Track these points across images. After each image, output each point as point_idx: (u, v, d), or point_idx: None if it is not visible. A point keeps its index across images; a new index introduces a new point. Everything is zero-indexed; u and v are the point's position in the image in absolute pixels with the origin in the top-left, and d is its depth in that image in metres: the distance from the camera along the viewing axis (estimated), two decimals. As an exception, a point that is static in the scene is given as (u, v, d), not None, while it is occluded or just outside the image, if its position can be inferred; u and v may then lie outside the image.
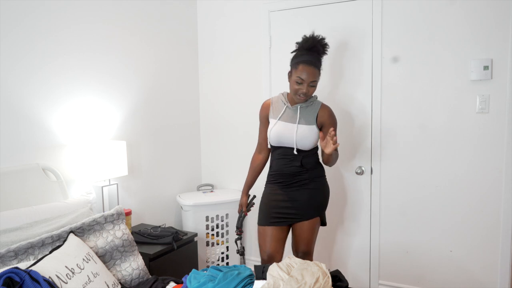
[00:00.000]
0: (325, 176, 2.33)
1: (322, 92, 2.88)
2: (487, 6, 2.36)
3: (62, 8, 2.28)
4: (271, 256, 2.24)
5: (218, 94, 3.32)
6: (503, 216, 2.43)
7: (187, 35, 3.27)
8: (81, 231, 1.93)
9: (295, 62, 2.15)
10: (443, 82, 2.52)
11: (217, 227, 3.04)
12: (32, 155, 2.16)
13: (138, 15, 2.80)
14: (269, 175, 2.34)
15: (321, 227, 2.35)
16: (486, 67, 2.38)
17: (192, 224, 2.95)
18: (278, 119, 2.22)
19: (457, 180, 2.54)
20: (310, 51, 2.15)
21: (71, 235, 1.85)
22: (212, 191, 3.26)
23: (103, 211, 2.38)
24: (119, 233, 2.04)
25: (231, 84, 3.25)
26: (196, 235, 2.68)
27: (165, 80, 3.06)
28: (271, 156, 2.35)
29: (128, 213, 2.47)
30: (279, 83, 3.03)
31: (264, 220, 2.29)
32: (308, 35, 2.19)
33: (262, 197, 2.34)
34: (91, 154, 2.30)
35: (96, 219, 2.02)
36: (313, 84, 2.13)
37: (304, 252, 2.28)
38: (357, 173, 2.80)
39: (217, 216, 3.02)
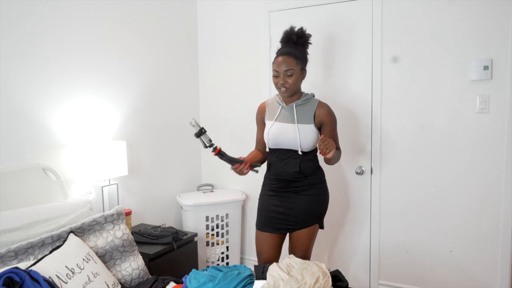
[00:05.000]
0: (325, 181, 2.26)
1: (321, 92, 2.88)
2: (487, 6, 2.36)
3: (62, 8, 2.28)
4: (267, 263, 2.19)
5: (218, 94, 3.33)
6: (503, 216, 2.43)
7: (187, 35, 3.27)
8: (81, 231, 1.92)
9: (275, 57, 2.12)
10: (443, 82, 2.52)
11: (217, 227, 3.04)
12: (32, 155, 2.16)
13: (138, 15, 2.80)
14: (266, 178, 2.27)
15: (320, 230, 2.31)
16: (486, 67, 2.38)
17: (192, 224, 2.95)
18: (275, 120, 2.16)
19: (457, 180, 2.54)
20: (287, 44, 2.13)
21: (71, 235, 1.85)
22: (212, 191, 3.26)
23: (103, 211, 2.38)
24: (119, 233, 2.04)
25: (231, 84, 3.25)
26: (196, 235, 2.68)
27: (165, 80, 3.06)
28: (268, 159, 2.26)
29: (128, 213, 2.47)
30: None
31: (261, 225, 2.23)
32: (287, 29, 2.15)
33: (260, 200, 2.29)
34: (91, 154, 2.30)
35: (96, 219, 2.02)
36: (290, 73, 2.05)
37: (301, 258, 2.18)
38: (357, 173, 2.80)
39: (217, 216, 3.02)
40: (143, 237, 2.43)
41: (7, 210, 1.90)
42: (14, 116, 2.07)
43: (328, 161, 2.14)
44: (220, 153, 2.01)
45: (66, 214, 2.05)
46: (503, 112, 2.38)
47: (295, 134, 2.08)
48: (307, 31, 2.18)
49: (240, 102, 3.19)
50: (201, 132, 1.99)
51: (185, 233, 2.60)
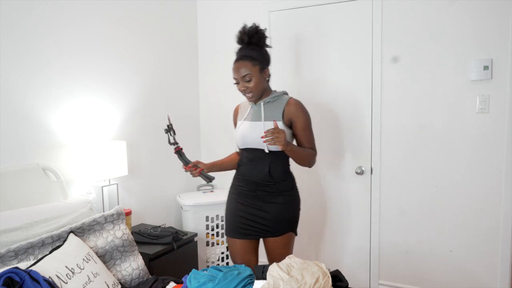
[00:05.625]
0: (296, 188, 2.16)
1: (322, 92, 2.88)
2: (487, 6, 2.36)
3: (62, 8, 2.28)
4: None
5: (218, 94, 3.32)
6: (503, 216, 2.43)
7: (187, 35, 3.27)
8: (81, 231, 1.92)
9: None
10: (443, 82, 2.52)
11: (217, 227, 3.04)
12: (32, 155, 2.16)
13: (138, 15, 2.80)
14: (235, 178, 2.18)
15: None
16: (486, 67, 2.38)
17: (192, 224, 2.95)
18: (244, 120, 2.11)
19: (457, 180, 2.54)
20: (241, 46, 2.05)
21: (71, 235, 1.85)
22: (212, 191, 3.26)
23: (103, 211, 2.38)
24: (119, 233, 2.04)
25: (231, 84, 3.22)
26: (196, 235, 2.68)
27: (165, 80, 3.06)
28: (240, 161, 2.19)
29: (128, 213, 2.47)
30: (278, 83, 3.02)
31: (231, 231, 2.15)
32: (240, 28, 2.05)
33: (228, 204, 2.20)
34: (91, 154, 2.30)
35: (96, 219, 2.02)
36: (248, 78, 1.97)
37: None
38: (357, 173, 2.80)
39: (217, 216, 3.02)
40: (143, 237, 2.43)
41: (7, 210, 1.90)
42: (14, 116, 2.07)
43: (292, 156, 2.03)
44: (178, 153, 2.12)
45: (66, 214, 2.05)
46: (503, 112, 2.38)
47: (261, 132, 1.98)
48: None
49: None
50: (169, 129, 2.11)
51: (185, 233, 2.60)
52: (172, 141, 2.11)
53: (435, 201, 2.61)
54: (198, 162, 2.12)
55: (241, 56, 2.00)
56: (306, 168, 2.99)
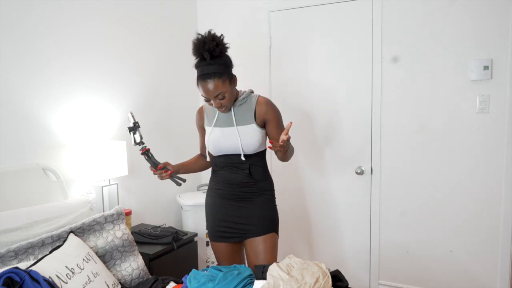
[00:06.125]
0: (274, 190, 2.10)
1: (320, 92, 2.88)
2: (487, 6, 2.36)
3: (62, 8, 2.28)
4: None
5: (218, 94, 3.32)
6: (503, 216, 2.43)
7: (187, 36, 3.25)
8: (81, 231, 1.92)
9: (196, 78, 1.91)
10: (443, 82, 2.52)
11: (217, 227, 3.04)
12: (32, 155, 2.16)
13: (138, 15, 2.80)
14: (214, 183, 2.08)
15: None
16: (486, 67, 2.38)
17: (192, 224, 2.95)
18: (213, 126, 2.00)
19: (457, 180, 2.54)
20: (203, 59, 1.90)
21: (71, 235, 1.85)
22: (212, 191, 3.26)
23: (103, 211, 2.38)
24: (119, 233, 2.04)
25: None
26: (196, 235, 2.67)
27: (165, 80, 3.05)
28: (214, 166, 2.09)
29: (128, 213, 2.47)
30: (279, 83, 3.03)
31: (213, 235, 2.09)
32: (195, 39, 1.88)
33: (207, 209, 2.13)
34: (91, 154, 2.30)
35: (96, 219, 2.02)
36: (221, 97, 1.86)
37: None
38: (357, 173, 2.80)
39: (217, 216, 3.02)
40: (143, 237, 2.43)
41: (7, 210, 1.90)
42: (14, 116, 2.07)
43: (282, 154, 1.96)
44: (146, 154, 1.99)
45: (66, 214, 2.05)
46: (503, 112, 2.38)
47: (236, 138, 1.93)
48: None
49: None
50: (135, 127, 1.96)
51: (185, 233, 2.60)
52: (138, 140, 1.96)
53: (435, 201, 2.61)
54: (167, 163, 2.01)
55: (208, 75, 1.86)
56: (306, 168, 3.00)
